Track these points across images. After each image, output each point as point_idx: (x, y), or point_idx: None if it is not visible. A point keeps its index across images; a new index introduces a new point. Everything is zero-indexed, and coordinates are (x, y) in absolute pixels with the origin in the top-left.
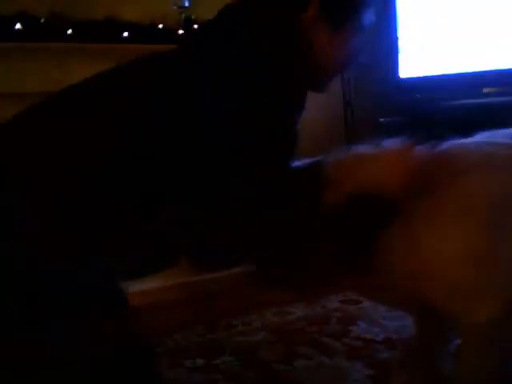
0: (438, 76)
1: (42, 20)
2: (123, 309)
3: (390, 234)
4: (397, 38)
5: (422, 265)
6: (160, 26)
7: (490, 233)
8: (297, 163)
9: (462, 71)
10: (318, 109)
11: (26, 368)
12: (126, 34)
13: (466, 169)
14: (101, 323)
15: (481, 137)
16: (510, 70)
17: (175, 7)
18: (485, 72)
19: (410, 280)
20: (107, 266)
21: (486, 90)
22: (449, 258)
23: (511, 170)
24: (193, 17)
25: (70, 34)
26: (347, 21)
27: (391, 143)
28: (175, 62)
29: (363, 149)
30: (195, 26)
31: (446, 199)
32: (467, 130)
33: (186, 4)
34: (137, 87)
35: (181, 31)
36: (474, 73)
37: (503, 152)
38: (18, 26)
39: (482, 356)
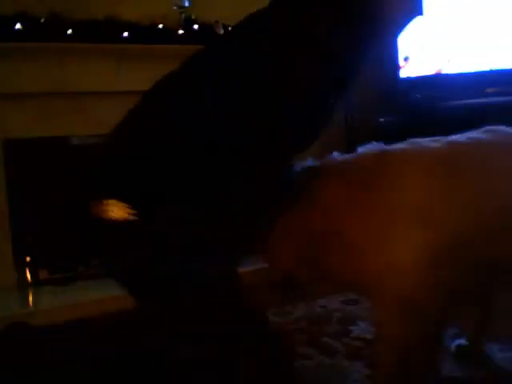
0: (438, 76)
1: (42, 20)
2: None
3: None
4: (397, 39)
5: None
6: (160, 25)
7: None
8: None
9: (462, 71)
10: None
11: None
12: (126, 34)
13: (405, 172)
14: None
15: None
16: (509, 70)
17: (175, 7)
18: (485, 72)
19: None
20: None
21: (485, 90)
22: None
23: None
24: (193, 17)
25: (69, 34)
26: None
27: None
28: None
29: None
30: (195, 26)
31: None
32: (467, 129)
33: (186, 4)
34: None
35: (181, 31)
36: (473, 73)
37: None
38: (18, 25)
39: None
